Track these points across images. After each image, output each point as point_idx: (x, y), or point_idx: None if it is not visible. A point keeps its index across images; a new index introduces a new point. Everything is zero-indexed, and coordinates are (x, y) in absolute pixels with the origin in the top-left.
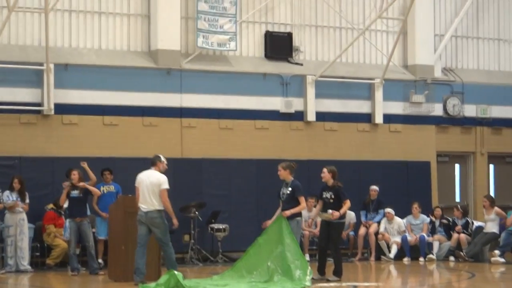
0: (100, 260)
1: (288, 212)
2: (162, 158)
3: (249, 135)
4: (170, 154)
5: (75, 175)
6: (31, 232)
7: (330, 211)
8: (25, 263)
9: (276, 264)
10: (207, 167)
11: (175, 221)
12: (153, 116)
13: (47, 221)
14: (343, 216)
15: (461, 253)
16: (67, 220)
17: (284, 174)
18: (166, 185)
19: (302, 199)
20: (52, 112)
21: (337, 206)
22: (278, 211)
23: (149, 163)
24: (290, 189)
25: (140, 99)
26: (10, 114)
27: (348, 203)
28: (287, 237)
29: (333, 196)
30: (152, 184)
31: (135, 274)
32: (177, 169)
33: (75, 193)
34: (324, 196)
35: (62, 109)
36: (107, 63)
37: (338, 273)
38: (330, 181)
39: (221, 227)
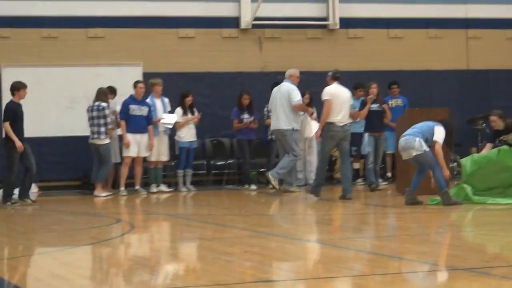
0: (388, 174)
1: None
2: None
3: None
4: (455, 66)
5: (375, 88)
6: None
7: None
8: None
9: None
10: (495, 79)
11: None
12: (438, 28)
13: None
14: None
15: None
16: (366, 134)
17: (499, 122)
18: None
19: None
20: (337, 26)
21: None
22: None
23: (334, 77)
24: None
25: (424, 11)
26: (297, 29)
27: None
28: None
29: None
30: (348, 98)
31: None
32: (463, 81)
33: (375, 106)
34: (505, 139)
35: (347, 23)
36: None
37: None
38: (501, 124)
39: None
